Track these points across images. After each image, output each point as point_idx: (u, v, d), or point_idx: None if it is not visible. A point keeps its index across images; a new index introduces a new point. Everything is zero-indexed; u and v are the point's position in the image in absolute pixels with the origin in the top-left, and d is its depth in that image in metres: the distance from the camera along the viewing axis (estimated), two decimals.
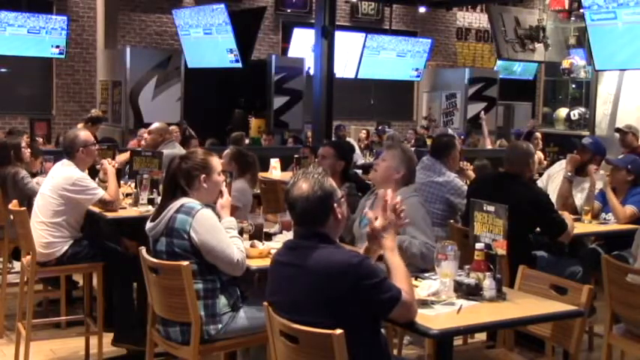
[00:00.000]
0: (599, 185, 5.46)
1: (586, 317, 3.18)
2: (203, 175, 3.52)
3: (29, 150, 5.95)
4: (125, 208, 5.02)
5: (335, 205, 2.77)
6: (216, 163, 3.63)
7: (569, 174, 5.41)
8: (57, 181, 4.57)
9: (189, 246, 3.37)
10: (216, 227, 3.43)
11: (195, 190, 3.51)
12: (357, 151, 10.25)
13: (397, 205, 2.93)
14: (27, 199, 5.25)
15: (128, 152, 6.09)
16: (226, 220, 3.60)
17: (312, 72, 10.05)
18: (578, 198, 5.47)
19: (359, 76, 13.22)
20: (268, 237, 4.11)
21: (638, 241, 4.07)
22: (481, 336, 4.56)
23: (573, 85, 12.68)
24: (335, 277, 2.61)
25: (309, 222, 2.76)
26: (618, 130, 8.12)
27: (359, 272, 2.61)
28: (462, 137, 10.67)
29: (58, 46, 11.12)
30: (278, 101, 12.43)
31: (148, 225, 3.53)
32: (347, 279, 2.60)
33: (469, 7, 16.34)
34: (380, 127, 13.21)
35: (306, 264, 2.68)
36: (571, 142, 5.82)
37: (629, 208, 5.14)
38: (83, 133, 4.83)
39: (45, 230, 4.50)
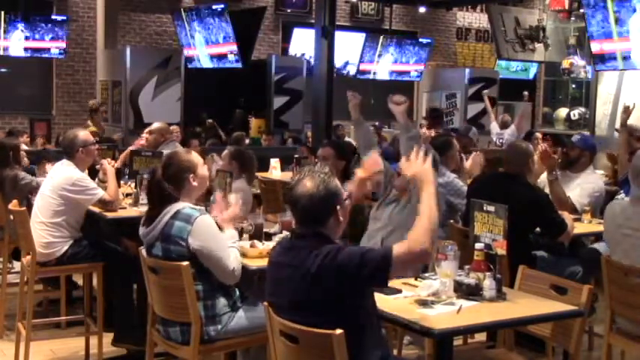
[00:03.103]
0: (593, 182, 5.46)
1: (586, 317, 3.18)
2: (191, 175, 3.53)
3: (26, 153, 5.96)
4: (125, 208, 5.03)
5: (338, 206, 2.74)
6: (198, 158, 3.64)
7: (554, 173, 5.33)
8: (57, 182, 4.57)
9: (185, 252, 3.37)
10: (216, 234, 3.44)
11: (187, 191, 3.52)
12: None
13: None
14: (26, 198, 5.24)
15: (128, 150, 6.09)
16: (228, 232, 3.61)
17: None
18: (574, 195, 5.42)
19: (359, 76, 13.23)
20: (268, 237, 4.11)
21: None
22: (481, 336, 4.55)
23: (573, 85, 12.70)
24: (331, 277, 2.61)
25: (310, 221, 2.74)
26: (619, 130, 8.12)
27: (349, 269, 2.60)
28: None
29: (58, 46, 11.12)
30: (278, 101, 12.43)
31: (142, 230, 3.53)
32: (343, 278, 2.60)
33: (469, 7, 16.33)
34: (378, 123, 13.17)
35: (303, 265, 2.66)
36: (563, 142, 5.84)
37: None
38: (82, 133, 4.82)
39: (45, 230, 4.49)
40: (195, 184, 3.53)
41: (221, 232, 3.55)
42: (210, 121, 12.29)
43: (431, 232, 2.65)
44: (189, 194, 3.53)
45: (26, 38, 10.88)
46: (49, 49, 11.12)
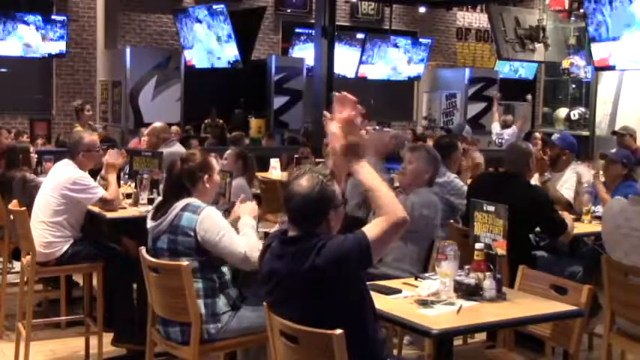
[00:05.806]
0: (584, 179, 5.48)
1: (586, 317, 3.18)
2: (206, 176, 3.59)
3: (36, 155, 5.97)
4: (125, 208, 5.03)
5: (331, 211, 2.70)
6: (215, 163, 3.71)
7: (546, 175, 5.35)
8: (58, 181, 4.58)
9: (193, 243, 3.39)
10: (222, 223, 3.47)
11: (199, 190, 3.57)
12: None
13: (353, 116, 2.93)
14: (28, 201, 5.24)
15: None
16: (246, 218, 3.63)
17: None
18: (564, 190, 5.42)
19: (359, 76, 13.24)
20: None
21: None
22: (481, 336, 4.55)
23: (573, 85, 12.70)
24: (325, 276, 2.61)
25: (300, 221, 2.71)
26: (615, 132, 8.15)
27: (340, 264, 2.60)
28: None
29: (58, 46, 11.14)
30: (278, 101, 12.43)
31: (150, 223, 3.54)
32: (335, 272, 2.60)
33: (469, 7, 16.33)
34: (378, 127, 13.18)
35: (297, 271, 2.65)
36: (545, 142, 5.85)
37: None
38: (88, 138, 4.83)
39: (45, 230, 4.49)
40: (207, 185, 3.60)
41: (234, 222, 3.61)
42: (220, 121, 12.30)
43: (395, 198, 2.69)
44: (201, 195, 3.57)
45: (26, 38, 10.89)
46: (49, 49, 11.14)
